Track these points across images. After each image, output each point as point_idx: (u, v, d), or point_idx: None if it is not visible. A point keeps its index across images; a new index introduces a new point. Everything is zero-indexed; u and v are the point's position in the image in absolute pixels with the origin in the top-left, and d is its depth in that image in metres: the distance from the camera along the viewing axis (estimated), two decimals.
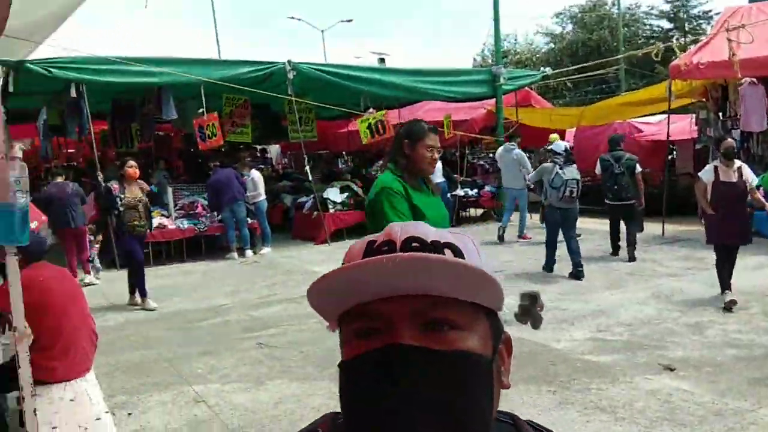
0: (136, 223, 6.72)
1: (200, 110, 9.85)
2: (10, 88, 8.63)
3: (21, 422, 3.27)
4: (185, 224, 9.87)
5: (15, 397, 3.29)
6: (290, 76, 10.05)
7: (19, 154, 2.17)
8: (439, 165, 12.25)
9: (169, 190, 10.14)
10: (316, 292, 0.67)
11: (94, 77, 8.94)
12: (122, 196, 6.69)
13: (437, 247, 0.67)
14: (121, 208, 6.66)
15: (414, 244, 0.67)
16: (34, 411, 2.24)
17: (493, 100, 12.96)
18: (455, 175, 12.86)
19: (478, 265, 0.65)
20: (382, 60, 24.02)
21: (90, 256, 8.36)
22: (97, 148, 14.01)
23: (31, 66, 8.22)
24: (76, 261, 8.02)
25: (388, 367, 0.62)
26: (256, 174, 10.47)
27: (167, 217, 9.54)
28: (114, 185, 6.75)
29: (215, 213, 10.08)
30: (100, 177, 8.85)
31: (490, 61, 17.39)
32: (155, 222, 9.21)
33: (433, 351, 0.63)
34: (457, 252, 0.68)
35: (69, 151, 15.48)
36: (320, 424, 0.76)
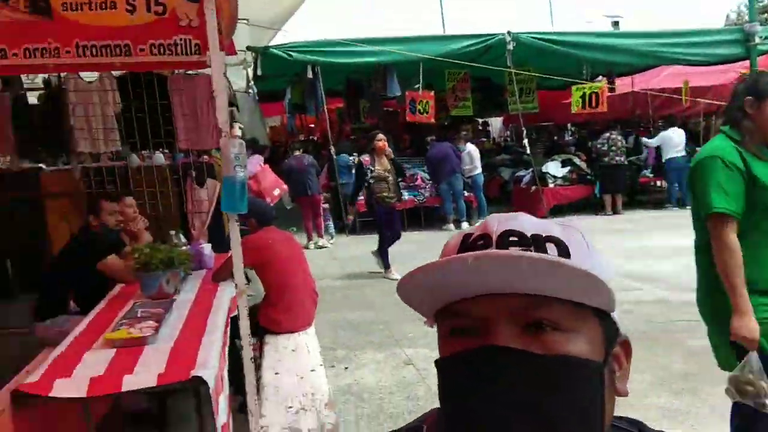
0: (385, 194, 6.83)
1: (416, 86, 10.13)
2: (259, 72, 9.80)
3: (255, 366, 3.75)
4: (406, 196, 10.31)
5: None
6: (510, 47, 9.82)
7: (239, 133, 2.43)
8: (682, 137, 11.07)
9: None
10: (404, 289, 0.64)
11: (326, 59, 9.70)
12: (372, 168, 6.86)
13: (538, 241, 0.62)
14: (371, 180, 6.82)
15: (512, 239, 0.62)
16: (251, 358, 2.54)
17: (747, 62, 11.26)
18: (697, 149, 11.52)
19: (585, 263, 0.59)
20: (615, 23, 22.13)
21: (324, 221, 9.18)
22: (333, 123, 15.24)
23: (275, 51, 9.18)
24: (312, 225, 8.86)
25: (482, 367, 0.59)
26: (472, 148, 10.51)
27: None
28: (365, 158, 6.97)
29: (434, 185, 10.38)
30: (332, 150, 9.64)
31: (746, 18, 15.03)
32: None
33: (529, 354, 0.58)
34: (562, 247, 0.62)
35: (310, 126, 17.08)
36: (426, 418, 0.74)
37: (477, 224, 0.68)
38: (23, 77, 6.33)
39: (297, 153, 9.14)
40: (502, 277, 0.58)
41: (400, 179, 7.15)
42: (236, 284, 2.58)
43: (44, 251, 5.24)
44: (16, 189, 5.38)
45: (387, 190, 6.85)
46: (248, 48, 9.29)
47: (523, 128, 11.13)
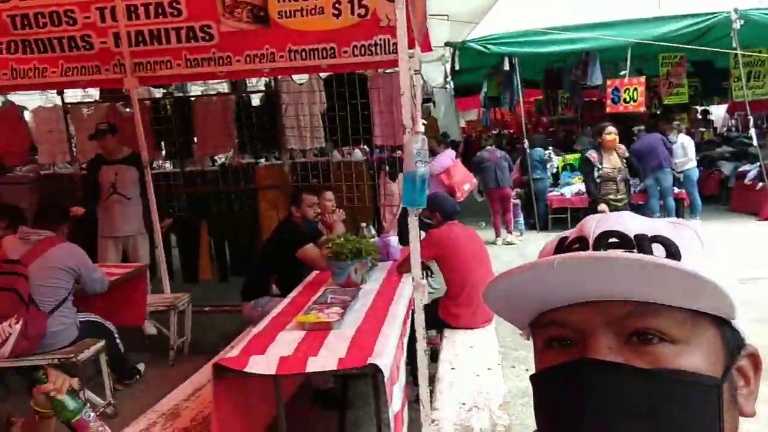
0: (611, 196, 5.93)
1: (622, 72, 9.43)
2: (456, 66, 9.89)
3: (432, 358, 3.84)
4: None
5: (425, 337, 3.81)
6: (736, 26, 8.69)
7: (422, 129, 2.48)
8: None
9: None
10: (490, 298, 0.61)
11: (524, 49, 9.46)
12: (600, 166, 6.01)
13: (642, 242, 0.55)
14: (598, 180, 6.00)
15: (612, 240, 0.56)
16: (425, 350, 2.60)
17: None
18: None
19: (698, 264, 0.52)
20: None
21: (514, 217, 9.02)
22: (531, 116, 14.84)
23: (472, 44, 9.19)
24: (500, 220, 8.76)
25: (577, 382, 0.53)
26: (685, 139, 9.52)
27: None
28: (592, 155, 6.20)
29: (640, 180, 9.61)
30: (526, 144, 9.41)
31: None
32: (575, 188, 9.34)
33: (628, 368, 0.52)
34: (671, 247, 0.55)
35: (506, 119, 16.88)
36: None
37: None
38: (247, 80, 7.13)
39: (489, 147, 9.09)
40: (598, 282, 0.53)
41: (632, 180, 6.08)
42: (413, 277, 2.65)
43: (256, 238, 5.88)
44: (236, 182, 6.11)
45: (615, 191, 5.95)
46: (447, 44, 9.42)
47: (750, 116, 9.83)
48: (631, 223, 0.58)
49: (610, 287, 0.53)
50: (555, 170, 10.08)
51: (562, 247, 0.61)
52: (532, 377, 0.61)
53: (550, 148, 9.98)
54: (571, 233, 0.61)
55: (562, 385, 0.55)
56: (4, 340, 3.37)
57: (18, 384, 3.90)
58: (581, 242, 0.59)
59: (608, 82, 9.48)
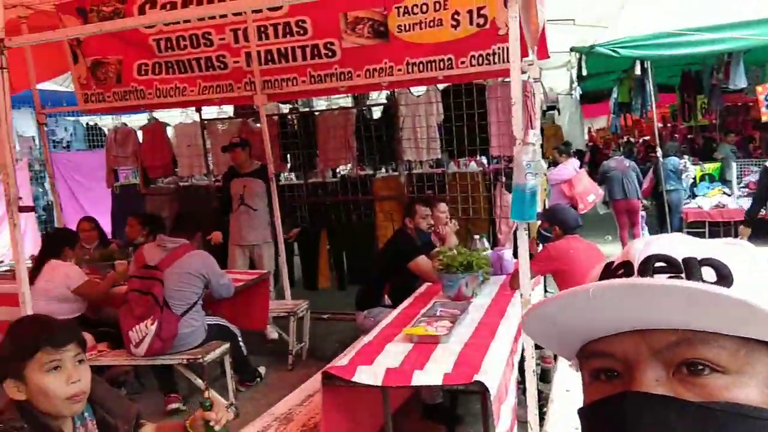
0: None
1: None
2: (583, 72, 9.51)
3: (542, 378, 3.70)
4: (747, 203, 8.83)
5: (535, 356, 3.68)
6: None
7: (533, 140, 2.41)
8: None
9: (734, 165, 9.27)
10: (530, 328, 0.59)
11: (657, 52, 8.90)
12: None
13: (691, 266, 0.51)
14: None
15: (658, 264, 0.52)
16: (533, 371, 2.50)
17: None
18: None
19: (751, 289, 0.48)
20: None
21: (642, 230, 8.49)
22: (666, 122, 13.90)
23: (600, 49, 8.79)
24: (627, 234, 8.27)
25: (622, 418, 0.50)
26: None
27: (729, 196, 8.76)
28: None
29: None
30: (659, 153, 8.83)
31: None
32: (714, 201, 8.62)
33: (676, 402, 0.49)
34: (722, 270, 0.51)
35: (641, 126, 15.96)
36: None
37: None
38: (370, 94, 7.29)
39: (617, 156, 8.65)
40: (640, 311, 0.50)
41: None
42: (521, 293, 2.57)
43: (373, 248, 5.99)
44: (354, 192, 6.27)
45: None
46: (572, 49, 9.09)
47: None
48: (681, 246, 0.54)
49: (655, 315, 0.50)
50: (692, 181, 9.36)
51: (608, 272, 0.57)
52: (579, 411, 0.58)
53: (686, 156, 9.30)
54: (617, 257, 0.58)
55: (609, 420, 0.52)
56: (141, 339, 3.68)
57: (152, 381, 4.24)
58: (626, 267, 0.55)
59: (759, 89, 8.65)
